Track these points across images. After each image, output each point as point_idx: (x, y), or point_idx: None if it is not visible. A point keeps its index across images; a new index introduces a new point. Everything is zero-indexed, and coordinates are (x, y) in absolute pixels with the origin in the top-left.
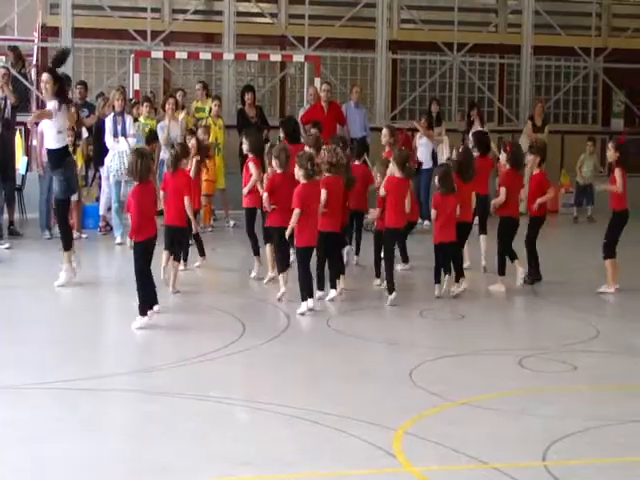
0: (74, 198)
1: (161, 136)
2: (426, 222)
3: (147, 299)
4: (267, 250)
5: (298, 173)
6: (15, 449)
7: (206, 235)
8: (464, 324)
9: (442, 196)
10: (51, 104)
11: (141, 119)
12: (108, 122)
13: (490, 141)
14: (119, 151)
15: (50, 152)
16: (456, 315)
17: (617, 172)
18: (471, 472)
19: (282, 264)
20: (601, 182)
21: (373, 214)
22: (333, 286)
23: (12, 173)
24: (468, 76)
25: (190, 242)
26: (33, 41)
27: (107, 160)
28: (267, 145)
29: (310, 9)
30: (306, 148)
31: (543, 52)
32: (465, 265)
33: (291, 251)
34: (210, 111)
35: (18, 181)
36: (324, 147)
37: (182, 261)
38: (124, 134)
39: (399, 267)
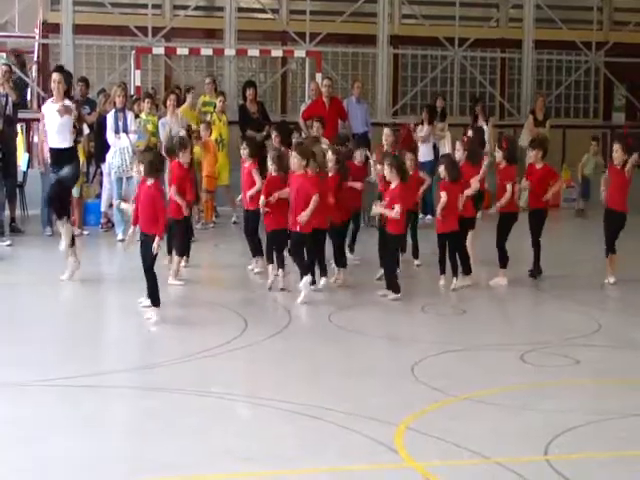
0: (75, 194)
1: (162, 132)
2: (428, 217)
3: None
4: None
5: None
6: (16, 449)
7: (208, 231)
8: (466, 319)
9: (450, 183)
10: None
11: (142, 115)
12: (109, 118)
13: (484, 138)
14: (120, 147)
15: (62, 150)
16: (458, 310)
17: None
18: (473, 467)
19: (278, 261)
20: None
21: (378, 209)
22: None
23: (13, 170)
24: (469, 71)
25: (193, 238)
26: (34, 38)
27: (108, 157)
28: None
29: (311, 4)
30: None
31: (544, 46)
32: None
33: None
34: (215, 107)
35: (19, 178)
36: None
37: (184, 257)
38: (125, 130)
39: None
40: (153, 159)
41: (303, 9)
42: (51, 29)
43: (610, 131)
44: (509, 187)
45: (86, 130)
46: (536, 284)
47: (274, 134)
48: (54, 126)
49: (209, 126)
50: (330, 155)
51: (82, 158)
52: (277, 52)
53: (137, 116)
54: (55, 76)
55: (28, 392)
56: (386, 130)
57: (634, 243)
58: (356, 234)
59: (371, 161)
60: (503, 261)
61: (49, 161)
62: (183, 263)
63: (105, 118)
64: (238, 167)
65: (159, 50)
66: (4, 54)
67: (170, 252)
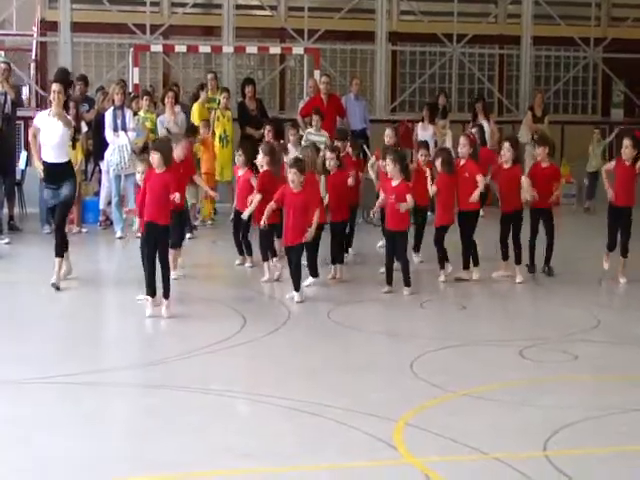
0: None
1: (160, 130)
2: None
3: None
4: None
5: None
6: (16, 449)
7: (206, 228)
8: (465, 315)
9: (447, 177)
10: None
11: (141, 113)
12: (108, 116)
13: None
14: (119, 145)
15: (60, 165)
16: (457, 306)
17: None
18: (472, 463)
19: (271, 252)
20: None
21: (407, 203)
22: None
23: (12, 168)
24: (468, 67)
25: (192, 235)
26: (32, 36)
27: (107, 154)
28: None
29: (309, 1)
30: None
31: (543, 42)
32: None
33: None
34: (219, 103)
35: (18, 176)
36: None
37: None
38: (124, 128)
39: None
40: (170, 149)
41: (301, 6)
42: (49, 27)
43: (608, 127)
44: (527, 181)
45: (84, 128)
46: (536, 280)
47: (267, 129)
48: (52, 140)
49: (208, 123)
50: (329, 154)
51: (80, 156)
52: (275, 49)
53: (135, 114)
54: (55, 86)
55: (28, 390)
56: (388, 131)
57: (635, 242)
58: (353, 230)
59: (371, 158)
60: (505, 255)
61: (42, 175)
62: (180, 259)
63: (103, 116)
64: None
65: (157, 48)
66: (2, 52)
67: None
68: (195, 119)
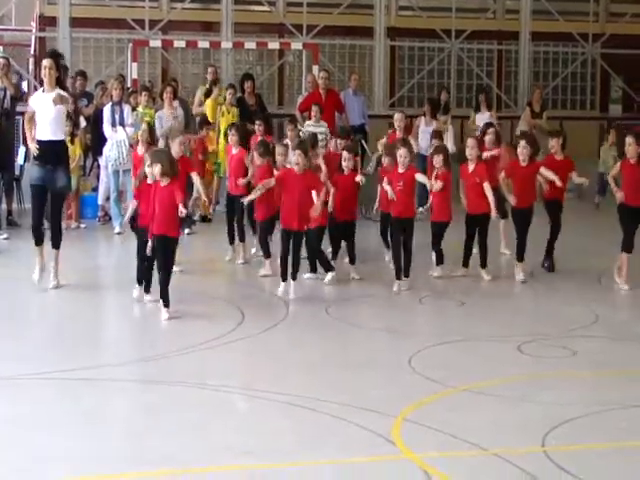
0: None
1: (158, 126)
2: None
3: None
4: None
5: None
6: (16, 449)
7: (205, 224)
8: (464, 310)
9: (448, 174)
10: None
11: (139, 108)
12: (106, 111)
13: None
14: (117, 140)
15: (56, 143)
16: (456, 302)
17: None
18: (471, 458)
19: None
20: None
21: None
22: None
23: (11, 163)
24: (466, 63)
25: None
26: (31, 31)
27: (105, 149)
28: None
29: None
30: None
31: (541, 38)
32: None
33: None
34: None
35: (16, 171)
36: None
37: None
38: (122, 123)
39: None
40: (171, 158)
41: (300, 1)
42: (48, 22)
43: (606, 123)
44: (553, 175)
45: (83, 123)
46: (536, 276)
47: (257, 123)
48: (46, 117)
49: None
50: (346, 154)
51: (79, 151)
52: (274, 44)
53: (134, 109)
54: (45, 62)
55: (26, 386)
56: (397, 115)
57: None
58: None
59: (374, 154)
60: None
61: (35, 153)
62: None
63: (102, 111)
64: None
65: (156, 43)
66: (1, 47)
67: None
68: (209, 115)
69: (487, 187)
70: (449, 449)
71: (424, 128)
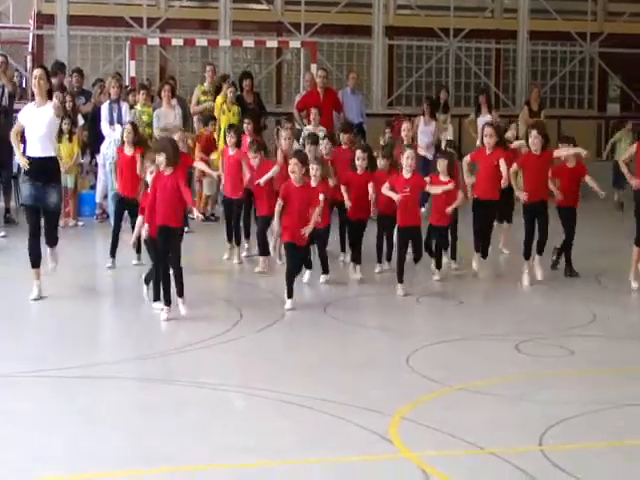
0: (70, 185)
1: (156, 124)
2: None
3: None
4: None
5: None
6: (16, 448)
7: (202, 224)
8: (463, 310)
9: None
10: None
11: (137, 106)
12: (104, 109)
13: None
14: (115, 139)
15: (47, 160)
16: (454, 301)
17: None
18: (469, 457)
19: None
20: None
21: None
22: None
23: (8, 161)
24: (464, 62)
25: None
26: (29, 29)
27: (103, 147)
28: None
29: None
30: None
31: (539, 37)
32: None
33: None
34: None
35: (14, 169)
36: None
37: None
38: (120, 121)
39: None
40: (174, 147)
41: (298, 0)
42: (45, 20)
43: (604, 122)
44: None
45: (81, 121)
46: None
47: (246, 122)
48: (36, 133)
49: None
50: (360, 153)
51: (77, 149)
52: (272, 43)
53: (132, 107)
54: (36, 72)
55: (23, 384)
56: (405, 125)
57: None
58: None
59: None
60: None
61: (26, 168)
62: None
63: (100, 109)
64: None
65: (154, 41)
66: None
67: None
68: (216, 111)
69: (503, 164)
70: (447, 448)
71: (423, 128)
